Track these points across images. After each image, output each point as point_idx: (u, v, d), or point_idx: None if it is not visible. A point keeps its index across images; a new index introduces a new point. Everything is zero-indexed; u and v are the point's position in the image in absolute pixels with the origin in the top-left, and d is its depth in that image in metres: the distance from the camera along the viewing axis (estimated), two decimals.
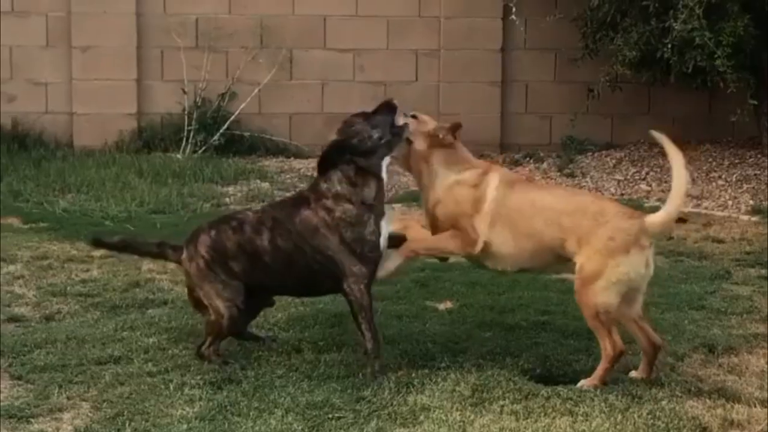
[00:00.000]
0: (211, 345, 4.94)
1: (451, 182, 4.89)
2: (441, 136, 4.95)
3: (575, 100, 9.81)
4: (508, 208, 4.80)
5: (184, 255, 4.98)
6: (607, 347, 4.75)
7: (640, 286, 4.78)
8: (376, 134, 4.80)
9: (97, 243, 5.39)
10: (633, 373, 4.88)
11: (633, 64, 8.99)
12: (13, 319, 5.60)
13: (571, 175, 9.19)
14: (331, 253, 4.76)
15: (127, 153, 9.37)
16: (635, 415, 4.37)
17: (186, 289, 5.10)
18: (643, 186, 8.94)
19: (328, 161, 4.84)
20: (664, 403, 4.51)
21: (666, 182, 8.97)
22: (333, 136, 4.88)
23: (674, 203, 4.79)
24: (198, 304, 5.02)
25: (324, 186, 4.82)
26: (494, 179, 4.85)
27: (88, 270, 6.40)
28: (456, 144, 5.00)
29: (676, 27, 8.36)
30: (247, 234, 4.88)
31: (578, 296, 4.77)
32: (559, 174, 9.24)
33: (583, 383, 4.71)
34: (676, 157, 4.84)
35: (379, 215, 4.79)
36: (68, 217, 7.50)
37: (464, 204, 4.83)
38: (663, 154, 9.41)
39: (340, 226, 4.75)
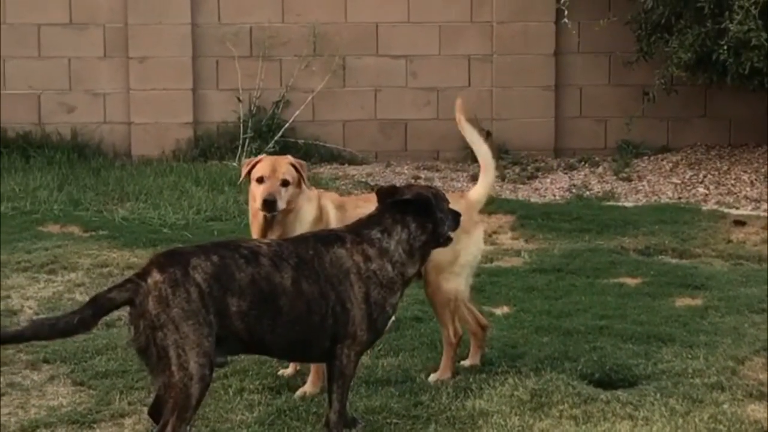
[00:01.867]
0: (181, 422, 3.78)
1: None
2: None
3: (630, 103, 9.74)
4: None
5: (157, 278, 3.81)
6: (450, 335, 4.85)
7: (477, 264, 4.95)
8: (447, 224, 4.33)
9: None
10: (465, 363, 4.94)
11: (688, 67, 8.91)
12: None
13: (628, 179, 9.12)
14: (350, 307, 4.11)
15: (184, 161, 9.46)
16: (696, 419, 4.34)
17: (135, 330, 3.82)
18: (701, 189, 8.85)
19: (400, 207, 4.24)
20: (725, 406, 4.47)
21: (724, 185, 8.88)
22: (414, 191, 4.31)
23: (489, 175, 4.93)
24: (150, 353, 3.82)
25: (373, 232, 4.21)
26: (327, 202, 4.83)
27: None
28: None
29: (731, 28, 8.28)
30: (266, 268, 4.00)
31: (431, 288, 4.77)
32: (615, 178, 9.18)
33: (434, 377, 4.79)
34: (469, 132, 5.02)
35: (400, 294, 4.30)
36: (127, 225, 7.58)
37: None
38: (720, 156, 9.48)
39: (371, 281, 4.15)
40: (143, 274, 3.87)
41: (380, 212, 4.28)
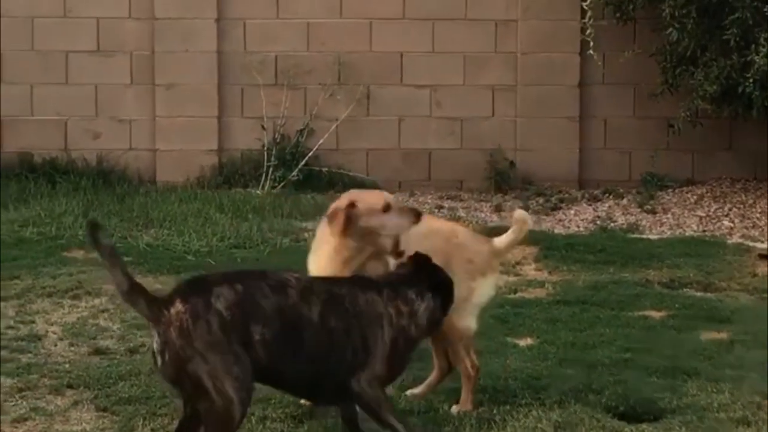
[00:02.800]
0: None
1: None
2: None
3: (655, 135, 9.72)
4: None
5: (179, 309, 3.82)
6: (467, 369, 4.86)
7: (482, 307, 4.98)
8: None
9: (93, 227, 3.80)
10: (412, 391, 4.93)
11: (714, 99, 8.89)
12: (98, 351, 5.69)
13: (652, 212, 9.09)
14: (372, 344, 4.14)
15: (208, 188, 9.49)
16: None
17: (162, 360, 3.84)
18: (726, 222, 8.81)
19: (433, 278, 4.37)
20: None
21: (749, 218, 8.84)
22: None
23: (520, 233, 4.92)
24: (184, 383, 3.86)
25: (409, 292, 4.27)
26: None
27: None
28: None
29: (757, 61, 8.26)
30: (293, 299, 4.00)
31: (446, 326, 4.65)
32: (639, 210, 9.15)
33: (456, 409, 4.79)
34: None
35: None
36: (151, 251, 7.60)
37: None
38: (746, 190, 9.43)
39: (398, 332, 4.21)
40: (168, 302, 3.86)
41: (417, 274, 4.34)
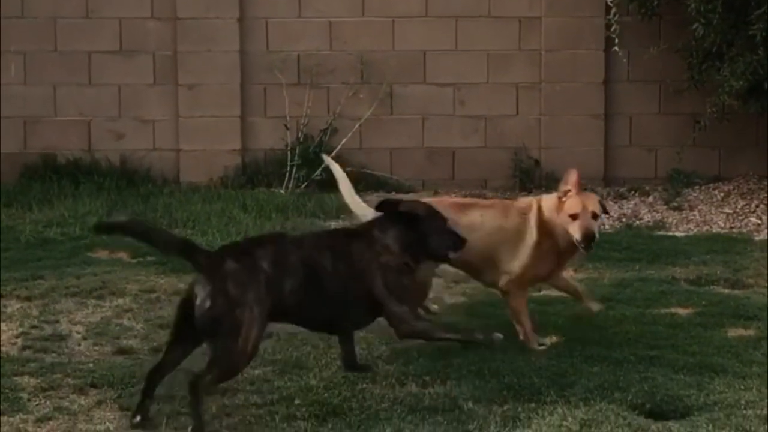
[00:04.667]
0: (220, 382, 4.64)
1: None
2: None
3: (681, 132, 9.64)
4: None
5: (235, 266, 4.57)
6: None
7: None
8: (442, 241, 5.15)
9: (101, 229, 5.06)
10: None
11: (740, 95, 8.81)
12: (122, 351, 5.70)
13: (678, 209, 9.02)
14: (374, 288, 4.93)
15: (232, 188, 9.48)
16: None
17: (209, 304, 4.50)
18: (753, 219, 8.73)
19: (395, 216, 5.10)
20: None
21: None
22: (409, 206, 5.18)
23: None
24: (222, 326, 4.52)
25: (375, 232, 5.05)
26: None
27: None
28: None
29: None
30: (309, 252, 4.84)
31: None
32: (666, 207, 9.08)
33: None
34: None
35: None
36: None
37: None
38: None
39: (383, 265, 4.98)
40: (222, 260, 4.57)
41: (381, 218, 5.13)
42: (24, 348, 5.67)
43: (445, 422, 4.58)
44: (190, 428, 4.50)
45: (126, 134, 9.85)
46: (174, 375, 4.85)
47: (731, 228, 8.54)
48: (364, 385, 5.01)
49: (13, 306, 6.35)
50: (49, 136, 9.76)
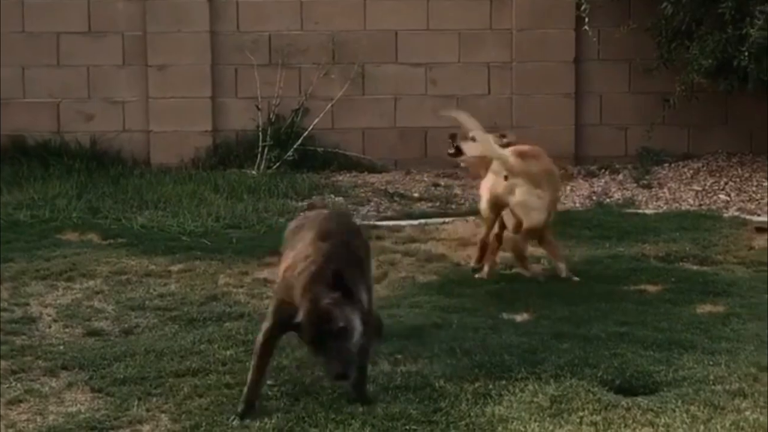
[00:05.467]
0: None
1: None
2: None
3: (651, 110, 9.68)
4: None
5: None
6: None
7: None
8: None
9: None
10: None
11: (709, 73, 8.85)
12: (93, 333, 5.69)
13: (648, 187, 9.07)
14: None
15: (203, 170, 9.45)
16: (718, 426, 4.30)
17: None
18: (722, 196, 8.79)
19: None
20: (747, 413, 4.43)
21: (745, 192, 8.82)
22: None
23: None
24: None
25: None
26: None
27: (165, 284, 6.47)
28: None
29: (752, 34, 8.22)
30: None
31: None
32: (636, 185, 9.13)
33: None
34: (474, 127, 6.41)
35: None
36: (146, 233, 7.58)
37: None
38: (742, 163, 9.42)
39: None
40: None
41: None
42: None
43: (417, 400, 4.59)
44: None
45: (96, 116, 9.80)
46: None
47: (700, 205, 8.60)
48: None
49: None
50: (18, 119, 9.68)
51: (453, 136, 6.70)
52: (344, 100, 9.76)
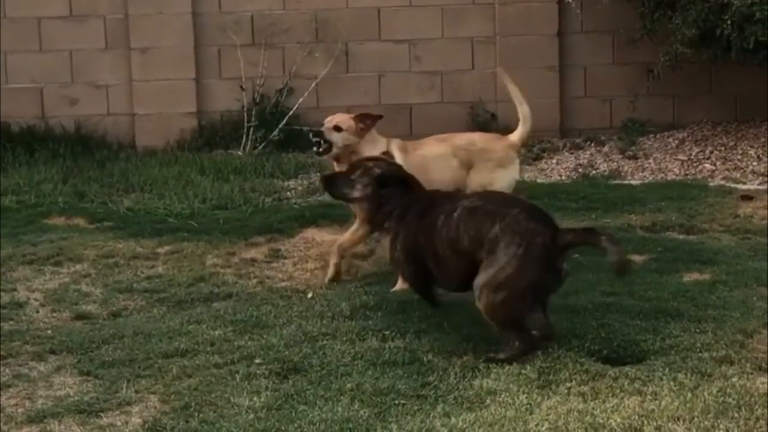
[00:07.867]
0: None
1: None
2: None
3: (635, 81, 9.68)
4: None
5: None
6: None
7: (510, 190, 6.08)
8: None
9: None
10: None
11: (692, 43, 8.83)
12: (81, 316, 5.70)
13: (634, 157, 9.08)
14: None
15: (189, 151, 9.43)
16: (705, 393, 4.32)
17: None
18: (708, 165, 8.80)
19: None
20: (734, 380, 4.45)
21: (730, 160, 8.84)
22: None
23: (526, 126, 6.30)
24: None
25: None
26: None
27: (153, 267, 6.47)
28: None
29: (735, 2, 8.21)
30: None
31: None
32: (621, 156, 9.13)
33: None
34: (513, 90, 6.41)
35: None
36: (132, 215, 7.57)
37: None
38: (726, 132, 9.43)
39: None
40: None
41: None
42: None
43: (405, 375, 4.61)
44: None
45: (79, 100, 9.76)
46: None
47: (686, 175, 8.61)
48: (324, 342, 5.03)
49: None
50: (1, 105, 9.64)
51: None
52: (328, 78, 9.74)
